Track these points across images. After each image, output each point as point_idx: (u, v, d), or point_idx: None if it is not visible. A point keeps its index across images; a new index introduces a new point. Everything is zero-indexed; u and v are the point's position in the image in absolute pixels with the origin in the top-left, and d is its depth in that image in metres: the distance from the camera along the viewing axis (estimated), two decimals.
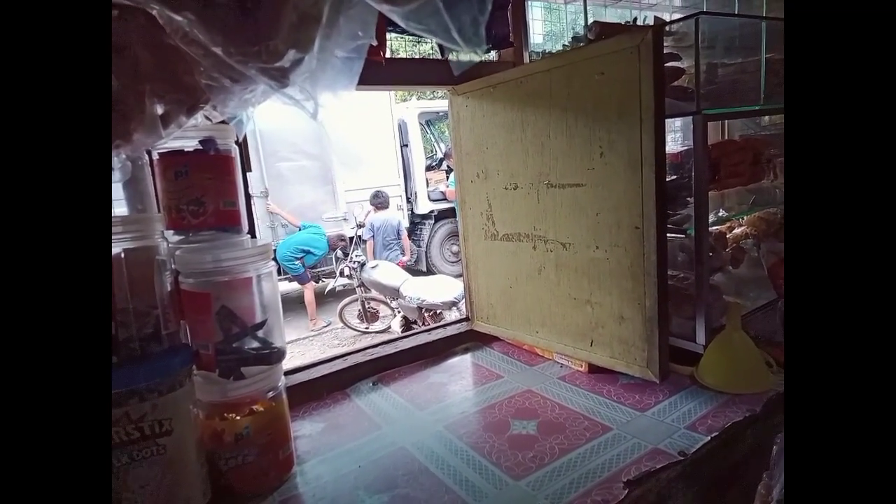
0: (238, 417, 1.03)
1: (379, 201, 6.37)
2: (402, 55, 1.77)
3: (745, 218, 1.85)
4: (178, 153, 1.03)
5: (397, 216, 6.69)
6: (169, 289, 0.97)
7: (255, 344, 1.05)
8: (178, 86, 0.69)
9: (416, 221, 8.17)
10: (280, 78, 0.61)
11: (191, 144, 1.03)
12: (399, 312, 5.29)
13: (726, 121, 1.91)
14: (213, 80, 0.63)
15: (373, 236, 6.23)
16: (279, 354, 1.07)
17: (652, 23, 1.64)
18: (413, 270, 6.80)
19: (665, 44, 1.27)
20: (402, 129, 7.90)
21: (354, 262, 5.59)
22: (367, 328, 5.80)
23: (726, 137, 1.92)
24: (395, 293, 5.12)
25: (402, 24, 0.56)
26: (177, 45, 0.59)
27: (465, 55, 0.56)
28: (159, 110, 0.74)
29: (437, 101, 8.33)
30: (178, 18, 0.54)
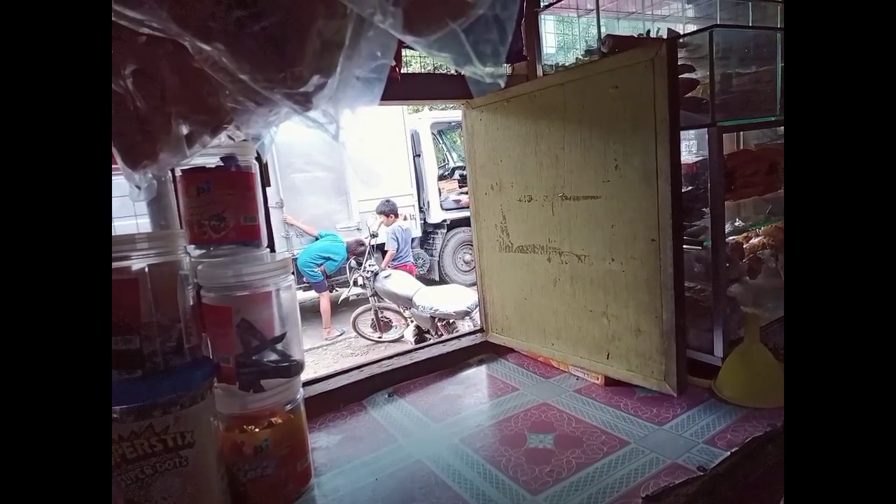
0: (257, 430, 1.04)
1: (395, 209, 6.37)
2: (415, 66, 1.78)
3: (762, 228, 1.83)
4: (201, 170, 1.05)
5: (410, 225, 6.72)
6: (191, 303, 0.99)
7: (275, 357, 1.06)
8: (203, 107, 0.71)
9: (429, 231, 8.20)
10: (304, 102, 0.62)
11: (212, 161, 1.05)
12: (412, 322, 5.30)
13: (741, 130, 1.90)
14: (237, 104, 0.65)
15: (398, 246, 6.20)
16: (298, 367, 1.08)
17: (665, 35, 1.64)
18: (426, 279, 6.82)
19: (679, 55, 1.27)
20: (415, 139, 7.96)
21: (368, 271, 5.61)
22: (380, 337, 5.81)
23: (742, 147, 1.90)
24: (408, 302, 5.13)
25: (424, 52, 0.58)
26: (203, 69, 0.61)
27: (485, 80, 0.57)
28: (185, 131, 0.77)
29: (449, 112, 8.38)
30: (208, 49, 0.56)
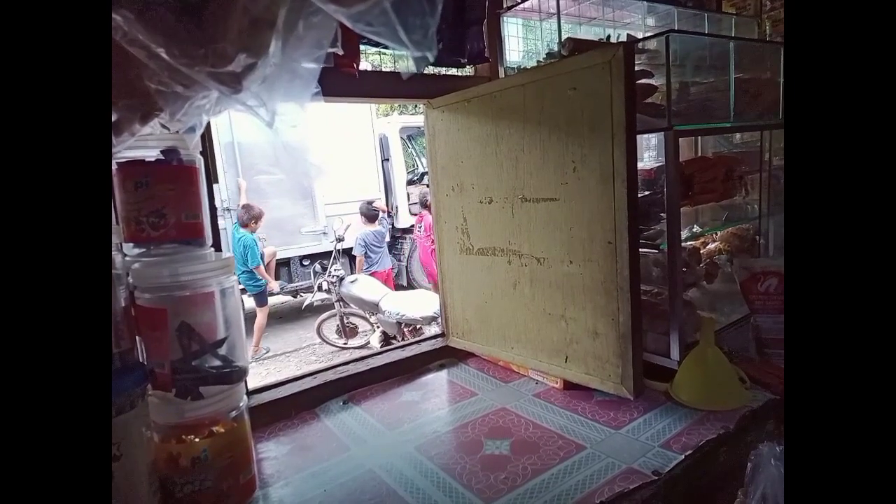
0: (196, 439, 0.98)
1: (372, 214, 6.19)
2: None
3: (719, 233, 1.87)
4: (139, 163, 0.99)
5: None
6: (123, 304, 0.92)
7: (216, 362, 1.00)
8: (130, 91, 0.66)
9: (397, 236, 8.12)
10: (231, 83, 0.58)
11: (153, 154, 0.99)
12: (378, 328, 5.22)
13: (699, 139, 1.94)
14: (163, 86, 0.60)
15: (364, 252, 6.01)
16: (240, 373, 1.03)
17: (625, 40, 1.66)
18: (393, 285, 6.72)
19: (638, 61, 1.28)
20: (384, 143, 7.88)
21: (333, 276, 5.49)
22: (345, 344, 5.69)
23: (699, 154, 1.94)
24: (374, 308, 5.05)
25: (349, 25, 0.54)
26: (125, 48, 0.56)
27: (413, 53, 0.55)
28: (112, 117, 0.71)
29: (419, 117, 8.32)
30: (116, 17, 0.51)
